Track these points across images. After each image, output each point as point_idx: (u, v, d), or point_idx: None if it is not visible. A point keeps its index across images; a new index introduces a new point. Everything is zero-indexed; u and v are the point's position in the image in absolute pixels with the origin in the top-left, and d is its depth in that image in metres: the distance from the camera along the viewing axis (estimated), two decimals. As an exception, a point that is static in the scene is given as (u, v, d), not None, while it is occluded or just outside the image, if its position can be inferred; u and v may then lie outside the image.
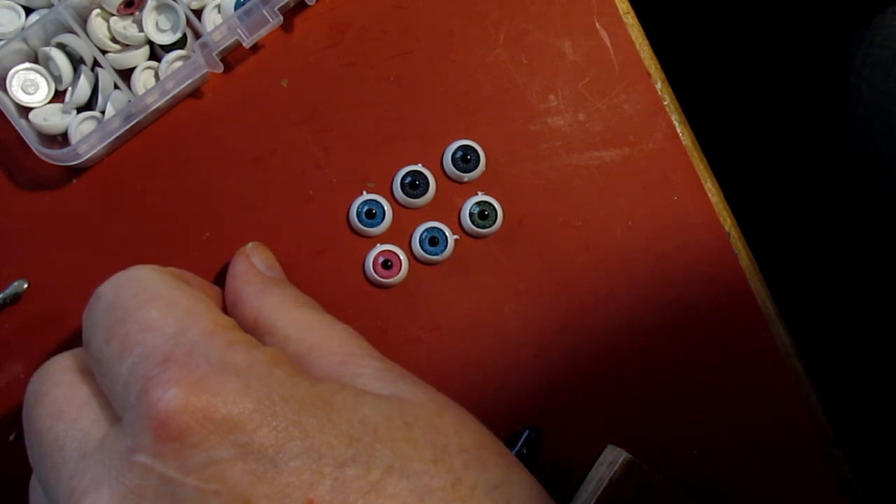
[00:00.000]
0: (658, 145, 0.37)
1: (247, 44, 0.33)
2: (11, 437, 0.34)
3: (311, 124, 0.35)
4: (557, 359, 0.36)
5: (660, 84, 0.37)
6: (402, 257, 0.35)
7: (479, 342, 0.36)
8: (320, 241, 0.35)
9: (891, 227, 0.47)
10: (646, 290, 0.36)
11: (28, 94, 0.34)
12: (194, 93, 0.35)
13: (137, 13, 0.34)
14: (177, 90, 0.33)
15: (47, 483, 0.25)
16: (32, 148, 0.32)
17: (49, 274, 0.34)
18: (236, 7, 0.34)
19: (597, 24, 0.37)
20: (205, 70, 0.33)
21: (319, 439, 0.24)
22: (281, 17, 0.33)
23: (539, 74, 0.36)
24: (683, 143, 0.37)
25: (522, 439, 0.35)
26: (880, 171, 0.47)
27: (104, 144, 0.33)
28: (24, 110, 0.34)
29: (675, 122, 0.37)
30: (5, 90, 0.33)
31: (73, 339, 0.34)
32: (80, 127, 0.34)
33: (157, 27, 0.34)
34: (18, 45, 0.33)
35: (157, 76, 0.34)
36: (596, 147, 0.36)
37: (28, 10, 0.34)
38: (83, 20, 0.34)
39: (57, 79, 0.34)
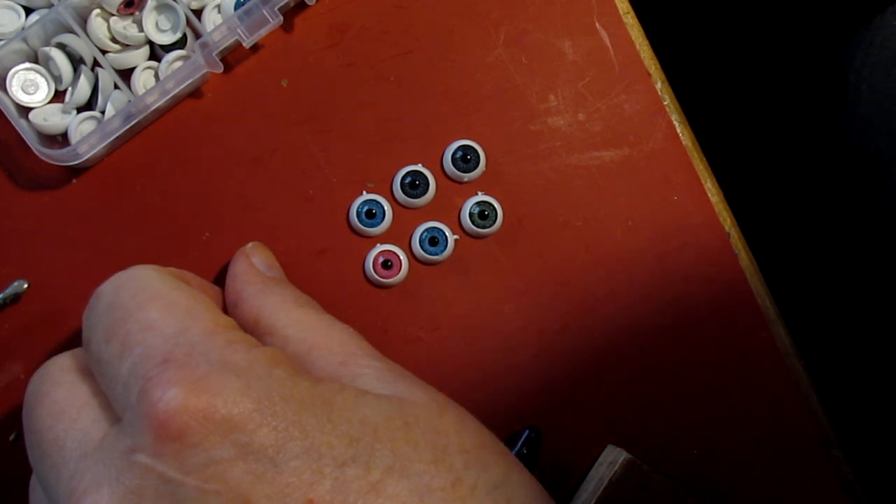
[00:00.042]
0: (658, 145, 0.37)
1: (247, 44, 0.33)
2: (11, 437, 0.34)
3: (311, 124, 0.35)
4: (557, 359, 0.36)
5: (660, 84, 0.37)
6: (402, 257, 0.35)
7: (479, 342, 0.36)
8: (320, 241, 0.35)
9: (891, 227, 0.47)
10: (646, 290, 0.36)
11: (28, 94, 0.34)
12: (194, 93, 0.35)
13: (137, 13, 0.34)
14: (177, 90, 0.33)
15: (47, 483, 0.25)
16: (32, 148, 0.32)
17: (49, 274, 0.34)
18: (236, 7, 0.34)
19: (597, 24, 0.37)
20: (205, 70, 0.33)
21: (319, 439, 0.24)
22: (281, 17, 0.33)
23: (539, 74, 0.36)
24: (683, 143, 0.37)
25: (522, 439, 0.35)
26: (880, 171, 0.47)
27: (104, 144, 0.33)
28: (24, 110, 0.34)
29: (675, 122, 0.37)
30: (5, 90, 0.33)
31: (73, 339, 0.34)
32: (80, 127, 0.34)
33: (157, 27, 0.34)
34: (18, 45, 0.33)
35: (157, 76, 0.34)
36: (596, 147, 0.36)
37: (28, 10, 0.34)
38: (83, 20, 0.34)
39: (57, 79, 0.34)
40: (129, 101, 0.33)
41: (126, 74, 0.34)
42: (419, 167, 0.35)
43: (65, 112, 0.34)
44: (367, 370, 0.28)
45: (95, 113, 0.34)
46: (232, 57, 0.35)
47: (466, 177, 0.36)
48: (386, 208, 0.35)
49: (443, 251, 0.35)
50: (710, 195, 0.37)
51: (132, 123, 0.33)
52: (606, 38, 0.37)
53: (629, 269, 0.36)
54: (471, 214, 0.35)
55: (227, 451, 0.23)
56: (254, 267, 0.32)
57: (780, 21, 0.65)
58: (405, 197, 0.35)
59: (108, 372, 0.26)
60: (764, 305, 0.37)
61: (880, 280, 0.50)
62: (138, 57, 0.34)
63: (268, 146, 0.35)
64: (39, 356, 0.34)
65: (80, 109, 0.34)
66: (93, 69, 0.34)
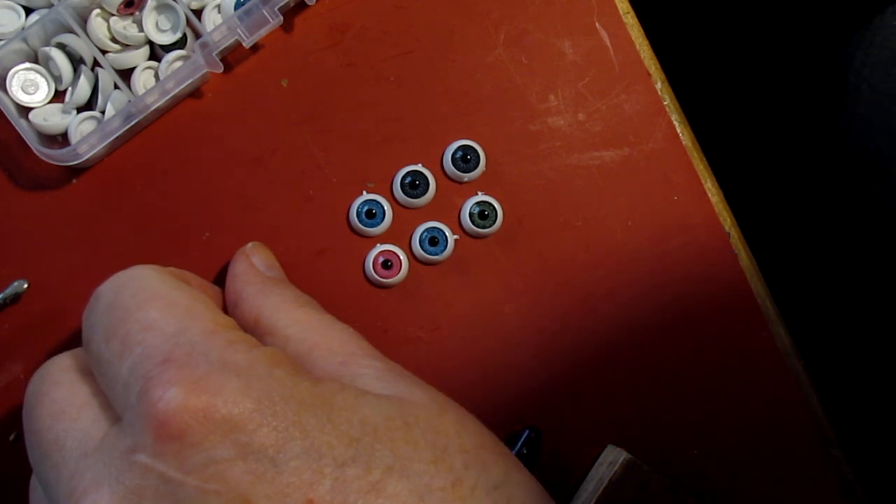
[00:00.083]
0: (658, 145, 0.37)
1: (247, 44, 0.33)
2: (11, 437, 0.34)
3: (311, 124, 0.35)
4: (557, 359, 0.36)
5: (660, 84, 0.37)
6: (402, 257, 0.35)
7: (479, 342, 0.36)
8: (320, 241, 0.35)
9: (891, 227, 0.47)
10: (646, 290, 0.36)
11: (28, 94, 0.34)
12: (194, 93, 0.35)
13: (137, 13, 0.34)
14: (177, 90, 0.33)
15: (47, 483, 0.25)
16: (32, 148, 0.32)
17: (49, 274, 0.34)
18: (236, 7, 0.34)
19: (597, 24, 0.37)
20: (205, 70, 0.33)
21: (320, 439, 0.24)
22: (281, 17, 0.33)
23: (539, 74, 0.36)
24: (683, 143, 0.37)
25: (522, 439, 0.35)
26: (880, 171, 0.48)
27: (104, 144, 0.33)
28: (24, 110, 0.34)
29: (675, 122, 0.37)
30: (5, 90, 0.33)
31: (73, 339, 0.34)
32: (80, 127, 0.34)
33: (157, 27, 0.34)
34: (18, 45, 0.33)
35: (157, 76, 0.34)
36: (596, 147, 0.36)
37: (28, 10, 0.34)
38: (83, 20, 0.34)
39: (57, 79, 0.34)
40: (129, 101, 0.33)
41: (126, 74, 0.34)
42: (419, 167, 0.35)
43: (65, 112, 0.34)
44: (368, 370, 0.28)
45: (95, 113, 0.34)
46: (232, 57, 0.35)
47: (466, 177, 0.36)
48: (386, 208, 0.35)
49: (443, 251, 0.35)
50: (710, 195, 0.37)
51: (132, 123, 0.33)
52: (606, 38, 0.37)
53: (629, 269, 0.36)
54: (471, 214, 0.35)
55: (228, 450, 0.23)
56: (254, 267, 0.32)
57: (779, 21, 0.65)
58: (405, 197, 0.35)
59: (108, 372, 0.26)
60: (764, 305, 0.37)
61: (880, 280, 0.50)
62: (138, 57, 0.34)
63: (268, 146, 0.35)
64: (39, 356, 0.34)
65: (80, 109, 0.34)
66: (93, 69, 0.34)
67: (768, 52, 0.66)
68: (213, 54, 0.33)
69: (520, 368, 0.36)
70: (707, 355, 0.36)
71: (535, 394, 0.36)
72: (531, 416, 0.36)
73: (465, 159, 0.36)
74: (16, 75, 0.34)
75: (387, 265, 0.35)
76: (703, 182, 0.37)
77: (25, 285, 0.34)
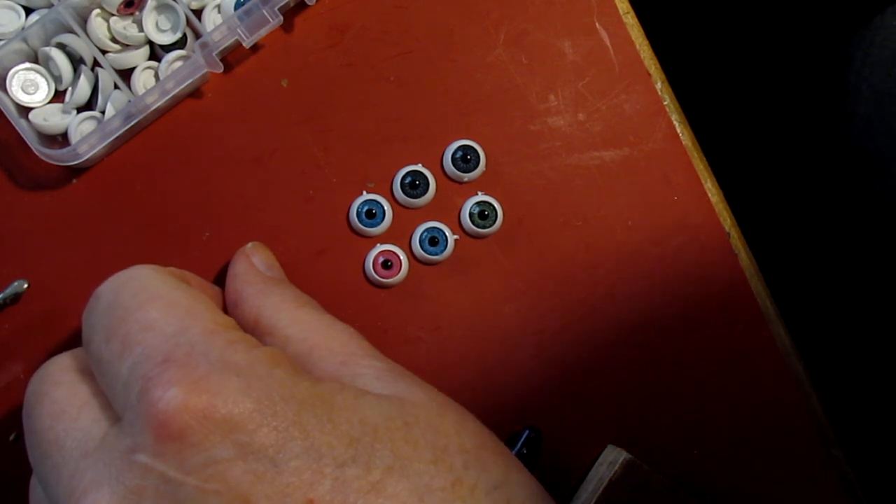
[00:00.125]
0: (658, 145, 0.37)
1: (247, 44, 0.33)
2: (11, 437, 0.34)
3: (311, 124, 0.35)
4: (557, 359, 0.36)
5: (660, 84, 0.37)
6: (402, 257, 0.35)
7: (479, 342, 0.36)
8: (320, 241, 0.35)
9: (891, 227, 0.47)
10: (646, 290, 0.36)
11: (28, 94, 0.34)
12: (194, 93, 0.35)
13: (137, 13, 0.34)
14: (177, 90, 0.33)
15: (47, 483, 0.25)
16: (32, 148, 0.32)
17: (49, 274, 0.34)
18: (236, 7, 0.34)
19: (597, 24, 0.37)
20: (205, 70, 0.33)
21: (320, 439, 0.24)
22: (281, 17, 0.33)
23: (539, 74, 0.36)
24: (683, 143, 0.37)
25: (522, 439, 0.35)
26: (880, 171, 0.48)
27: (104, 144, 0.33)
28: (24, 110, 0.34)
29: (675, 122, 0.37)
30: (5, 90, 0.33)
31: (73, 339, 0.34)
32: (80, 127, 0.34)
33: (157, 27, 0.34)
34: (18, 45, 0.33)
35: (157, 76, 0.34)
36: (596, 147, 0.36)
37: (28, 10, 0.34)
38: (83, 20, 0.34)
39: (57, 79, 0.34)
40: (129, 101, 0.33)
41: (126, 74, 0.34)
42: (419, 167, 0.35)
43: (65, 112, 0.34)
44: (368, 370, 0.28)
45: (95, 113, 0.34)
46: (232, 57, 0.35)
47: (466, 177, 0.36)
48: (386, 208, 0.35)
49: (443, 251, 0.35)
50: (710, 195, 0.37)
51: (132, 123, 0.33)
52: (606, 38, 0.37)
53: (629, 269, 0.36)
54: (471, 214, 0.35)
55: (228, 450, 0.23)
56: (254, 267, 0.32)
57: (780, 21, 0.65)
58: (405, 197, 0.35)
59: (108, 372, 0.26)
60: (764, 305, 0.37)
61: (880, 280, 0.50)
62: (138, 57, 0.34)
63: (268, 146, 0.35)
64: (39, 356, 0.34)
65: (80, 109, 0.34)
66: (93, 69, 0.34)
67: (768, 51, 0.66)
68: (213, 54, 0.33)
69: (520, 368, 0.36)
70: (707, 355, 0.36)
71: (535, 394, 0.36)
72: (531, 416, 0.36)
73: (465, 159, 0.36)
74: (16, 75, 0.34)
75: (387, 265, 0.35)
76: (703, 182, 0.37)
77: (25, 285, 0.34)
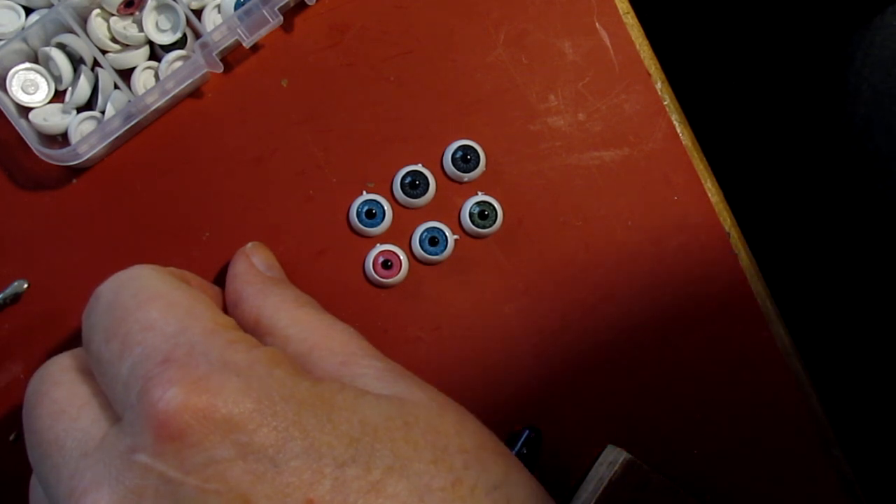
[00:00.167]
0: (658, 145, 0.37)
1: (247, 44, 0.33)
2: (11, 437, 0.34)
3: (311, 124, 0.35)
4: (557, 359, 0.36)
5: (660, 84, 0.37)
6: (402, 257, 0.35)
7: (479, 342, 0.36)
8: (320, 241, 0.35)
9: (891, 227, 0.47)
10: (646, 290, 0.36)
11: (28, 94, 0.34)
12: (194, 93, 0.35)
13: (137, 13, 0.34)
14: (177, 90, 0.33)
15: (47, 483, 0.25)
16: (32, 148, 0.32)
17: (49, 274, 0.34)
18: (236, 7, 0.34)
19: (597, 24, 0.37)
20: (205, 70, 0.33)
21: (320, 439, 0.24)
22: (281, 17, 0.33)
23: (539, 74, 0.36)
24: (683, 143, 0.37)
25: (522, 439, 0.35)
26: (880, 171, 0.48)
27: (104, 144, 0.33)
28: (24, 110, 0.34)
29: (675, 122, 0.37)
30: (5, 90, 0.33)
31: (73, 339, 0.34)
32: (80, 127, 0.34)
33: (157, 27, 0.34)
34: (18, 45, 0.33)
35: (157, 76, 0.34)
36: (596, 147, 0.36)
37: (28, 10, 0.34)
38: (83, 20, 0.34)
39: (57, 79, 0.34)
40: (129, 101, 0.33)
41: (126, 74, 0.34)
42: (419, 167, 0.35)
43: (65, 112, 0.34)
44: (368, 370, 0.28)
45: (95, 113, 0.34)
46: (232, 57, 0.35)
47: (466, 177, 0.36)
48: (386, 208, 0.35)
49: (443, 251, 0.35)
50: (710, 195, 0.37)
51: (132, 123, 0.33)
52: (606, 38, 0.37)
53: (629, 269, 0.36)
54: (471, 214, 0.35)
55: (228, 450, 0.23)
56: (254, 267, 0.32)
57: (779, 21, 0.65)
58: (405, 197, 0.35)
59: (108, 371, 0.26)
60: (764, 305, 0.37)
61: (880, 280, 0.50)
62: (138, 57, 0.34)
63: (268, 146, 0.35)
64: (39, 356, 0.34)
65: (80, 109, 0.34)
66: (93, 69, 0.34)
67: (768, 52, 0.66)
68: (213, 54, 0.33)
69: (520, 368, 0.36)
70: (707, 355, 0.36)
71: (535, 394, 0.36)
72: (531, 416, 0.36)
73: (465, 159, 0.36)
74: (16, 75, 0.34)
75: (387, 265, 0.35)
76: (703, 182, 0.37)
77: (25, 285, 0.34)
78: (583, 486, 0.35)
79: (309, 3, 0.35)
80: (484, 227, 0.35)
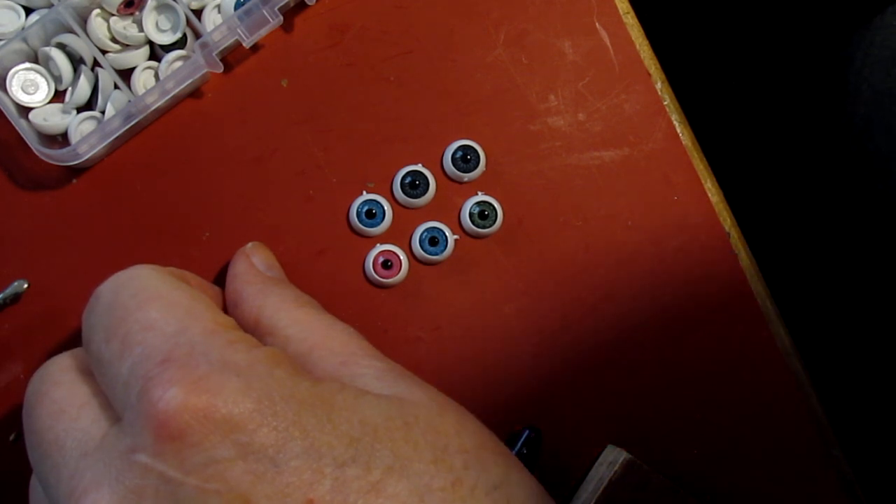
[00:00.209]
0: (658, 145, 0.37)
1: (247, 44, 0.33)
2: (11, 437, 0.34)
3: (311, 124, 0.35)
4: (557, 359, 0.36)
5: (660, 84, 0.37)
6: (402, 257, 0.35)
7: (479, 342, 0.36)
8: (320, 241, 0.35)
9: (891, 227, 0.47)
10: (646, 290, 0.36)
11: (28, 94, 0.34)
12: (194, 93, 0.35)
13: (137, 13, 0.34)
14: (177, 90, 0.33)
15: (47, 483, 0.25)
16: (32, 148, 0.32)
17: (49, 274, 0.34)
18: (236, 7, 0.34)
19: (597, 24, 0.37)
20: (205, 70, 0.33)
21: (320, 439, 0.24)
22: (281, 17, 0.33)
23: (539, 74, 0.36)
24: (683, 143, 0.37)
25: (522, 439, 0.35)
26: (880, 171, 0.48)
27: (104, 144, 0.33)
28: (24, 110, 0.34)
29: (675, 122, 0.37)
30: (5, 90, 0.33)
31: (73, 339, 0.34)
32: (80, 127, 0.34)
33: (157, 27, 0.34)
34: (18, 45, 0.33)
35: (157, 76, 0.34)
36: (596, 147, 0.36)
37: (28, 10, 0.34)
38: (83, 20, 0.34)
39: (57, 79, 0.34)
40: (129, 101, 0.33)
41: (126, 74, 0.34)
42: (419, 167, 0.35)
43: (65, 112, 0.34)
44: (368, 370, 0.28)
45: (95, 113, 0.34)
46: (232, 57, 0.35)
47: (466, 177, 0.36)
48: (386, 208, 0.35)
49: (443, 251, 0.35)
50: (710, 195, 0.37)
51: (132, 123, 0.33)
52: (606, 38, 0.37)
53: (629, 269, 0.36)
54: (471, 214, 0.35)
55: (228, 450, 0.23)
56: (254, 267, 0.32)
57: (779, 21, 0.65)
58: (405, 197, 0.35)
59: (108, 371, 0.26)
60: (764, 305, 0.37)
61: (880, 280, 0.50)
62: (138, 57, 0.34)
63: (268, 146, 0.35)
64: (39, 356, 0.34)
65: (80, 109, 0.34)
66: (93, 69, 0.34)
67: (768, 52, 0.66)
68: (213, 54, 0.33)
69: (520, 368, 0.36)
70: (707, 355, 0.36)
71: (535, 394, 0.36)
72: (531, 416, 0.36)
73: (465, 159, 0.36)
74: (16, 75, 0.34)
75: (387, 265, 0.35)
76: (703, 182, 0.37)
77: (25, 285, 0.34)
78: (583, 486, 0.35)
79: (309, 3, 0.35)
80: (484, 227, 0.35)
